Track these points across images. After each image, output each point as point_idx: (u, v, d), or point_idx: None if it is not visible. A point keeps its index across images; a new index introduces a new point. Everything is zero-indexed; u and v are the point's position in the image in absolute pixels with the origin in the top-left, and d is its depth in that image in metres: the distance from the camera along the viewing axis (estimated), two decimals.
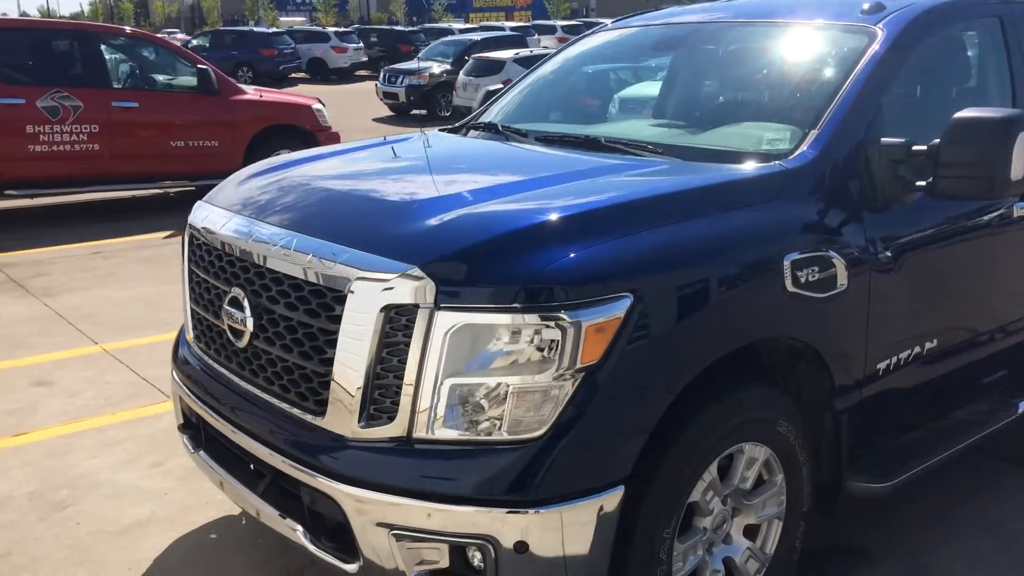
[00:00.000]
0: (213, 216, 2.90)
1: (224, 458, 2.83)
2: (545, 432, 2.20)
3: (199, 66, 9.70)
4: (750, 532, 2.79)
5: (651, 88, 3.94)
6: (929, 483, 3.43)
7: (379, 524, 2.27)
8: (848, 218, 2.79)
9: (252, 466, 2.71)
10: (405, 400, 2.25)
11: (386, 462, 2.28)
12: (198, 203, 3.11)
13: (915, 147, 2.80)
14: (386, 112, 21.22)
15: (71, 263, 7.63)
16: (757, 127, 3.10)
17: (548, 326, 2.16)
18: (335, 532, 2.42)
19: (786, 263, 2.53)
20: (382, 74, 21.73)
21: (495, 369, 2.20)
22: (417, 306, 2.21)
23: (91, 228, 8.97)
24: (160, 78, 10.00)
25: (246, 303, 2.60)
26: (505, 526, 2.20)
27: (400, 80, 20.66)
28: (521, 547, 2.21)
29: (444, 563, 2.29)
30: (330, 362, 2.35)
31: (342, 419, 2.34)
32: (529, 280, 2.19)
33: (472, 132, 3.78)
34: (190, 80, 9.79)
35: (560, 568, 2.26)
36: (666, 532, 2.43)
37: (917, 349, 3.10)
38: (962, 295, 3.27)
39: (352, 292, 2.30)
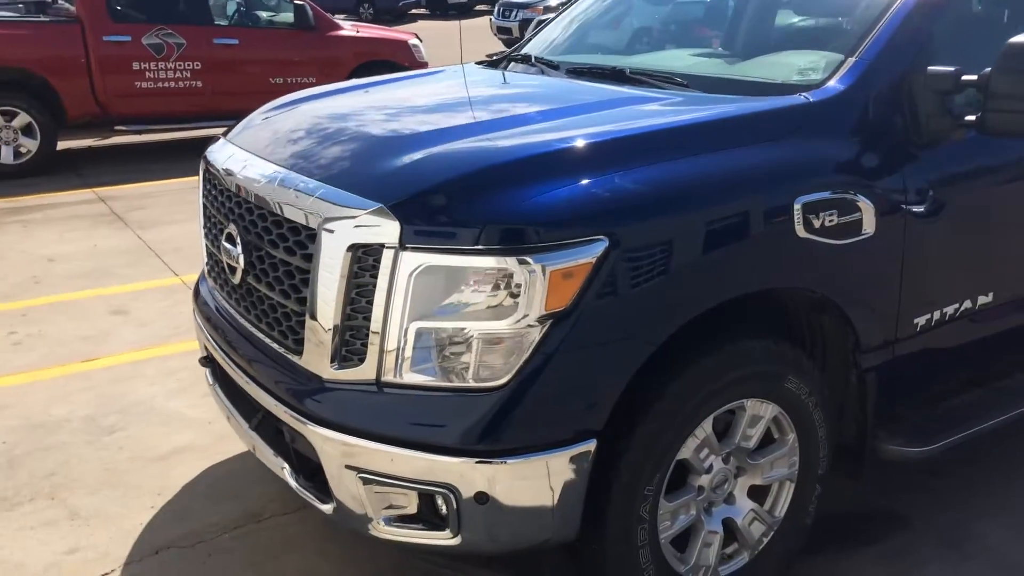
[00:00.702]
0: (222, 150, 2.89)
1: (231, 393, 2.85)
2: (509, 380, 2.10)
3: (296, 2, 9.76)
4: (757, 493, 2.63)
5: (698, 14, 3.69)
6: (983, 449, 3.17)
7: (347, 467, 2.24)
8: (884, 157, 2.54)
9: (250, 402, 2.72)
10: (373, 343, 2.19)
11: (355, 404, 2.24)
12: (219, 139, 3.10)
13: (965, 77, 2.51)
14: (500, 47, 20.99)
15: (170, 197, 7.89)
16: (797, 55, 2.86)
17: (510, 270, 2.05)
18: (314, 472, 2.40)
19: (797, 206, 2.32)
20: (497, 8, 21.48)
21: (460, 313, 2.11)
22: (383, 246, 2.13)
23: (192, 164, 9.23)
24: (261, 15, 10.13)
25: (238, 239, 2.58)
26: (465, 475, 2.12)
27: (514, 14, 20.39)
28: (482, 498, 2.14)
29: (412, 509, 2.24)
30: (305, 301, 2.31)
31: (317, 359, 2.30)
32: (491, 220, 2.07)
33: (511, 64, 3.64)
34: (290, 17, 9.87)
35: (526, 521, 2.19)
36: (648, 489, 2.30)
37: (967, 304, 2.83)
38: (1021, 246, 2.95)
39: (324, 230, 2.24)
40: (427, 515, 2.24)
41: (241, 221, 2.58)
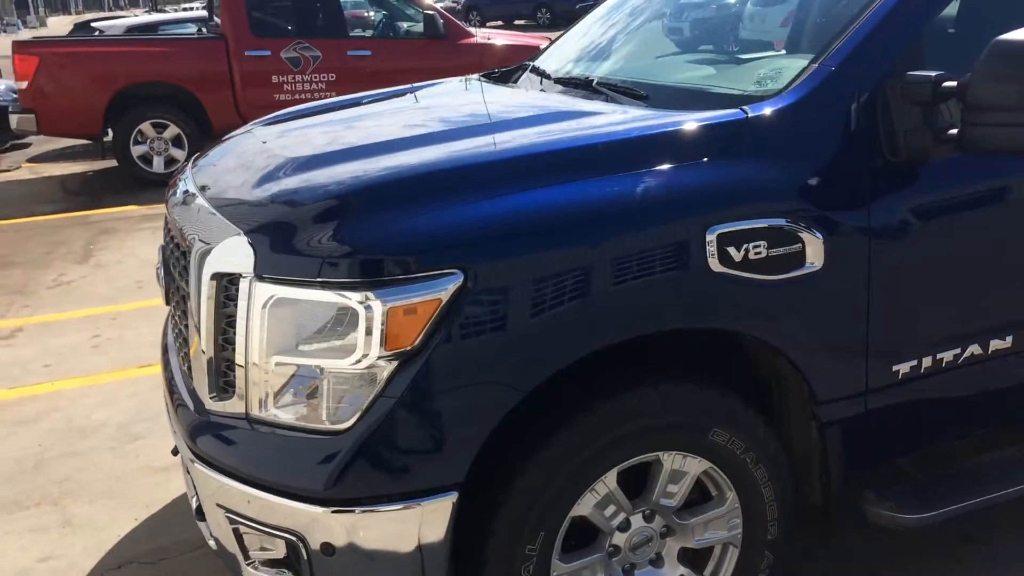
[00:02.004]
0: (183, 170, 2.90)
1: None
2: (354, 424, 1.94)
3: (426, 11, 9.88)
4: (697, 558, 2.34)
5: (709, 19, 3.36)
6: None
7: (218, 504, 2.15)
8: (841, 180, 2.19)
9: None
10: (239, 375, 2.10)
11: (223, 439, 2.15)
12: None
13: (946, 83, 2.12)
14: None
15: None
16: (766, 63, 2.52)
17: (349, 304, 1.89)
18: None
19: (710, 237, 2.03)
20: None
21: (312, 349, 1.97)
22: (240, 275, 2.03)
23: None
24: (395, 25, 10.34)
25: (163, 259, 2.58)
26: (311, 524, 1.99)
27: None
28: (328, 549, 1.99)
29: (279, 554, 2.12)
30: (195, 329, 2.25)
31: (202, 389, 2.23)
32: (332, 251, 1.92)
33: (521, 75, 3.45)
34: (421, 27, 10.02)
35: (379, 573, 2.01)
36: (529, 549, 2.08)
37: (973, 350, 2.40)
38: None
39: (198, 256, 2.17)
40: (293, 562, 2.11)
41: (167, 241, 2.57)
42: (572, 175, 2.05)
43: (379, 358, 1.90)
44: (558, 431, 2.07)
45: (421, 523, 1.97)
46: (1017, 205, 2.37)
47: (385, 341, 1.89)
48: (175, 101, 9.35)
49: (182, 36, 9.81)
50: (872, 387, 2.31)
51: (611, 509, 2.18)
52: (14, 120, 9.61)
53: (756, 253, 2.07)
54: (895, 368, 2.32)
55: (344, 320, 1.91)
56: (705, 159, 2.13)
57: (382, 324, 1.87)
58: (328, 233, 1.96)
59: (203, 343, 2.17)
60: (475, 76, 3.56)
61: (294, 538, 2.01)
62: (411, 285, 1.88)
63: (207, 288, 2.11)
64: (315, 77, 9.63)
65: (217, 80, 9.38)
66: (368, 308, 1.87)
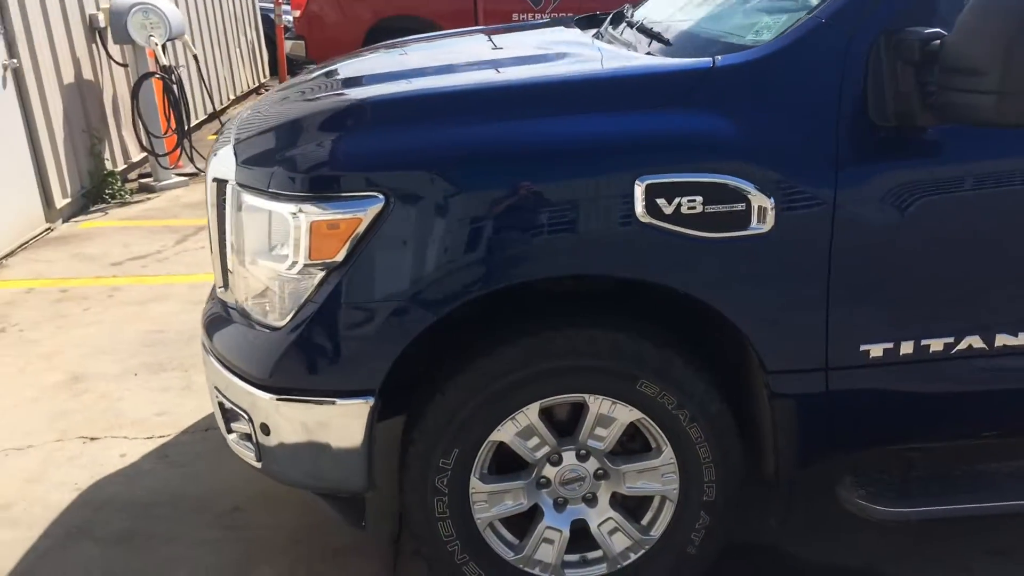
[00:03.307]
0: None
1: None
2: (286, 323, 2.17)
3: None
4: (638, 507, 2.37)
5: None
6: None
7: (214, 386, 2.48)
8: (807, 140, 2.06)
9: None
10: (229, 269, 2.39)
11: (220, 326, 2.45)
12: None
13: (935, 41, 1.94)
14: None
15: None
16: (774, 15, 2.37)
17: (284, 215, 2.11)
18: None
19: (639, 185, 2.02)
20: None
21: (265, 252, 2.21)
22: (227, 181, 2.31)
23: None
24: None
25: None
26: (254, 405, 2.25)
27: None
28: (265, 429, 2.25)
29: (247, 429, 2.41)
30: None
31: (216, 279, 2.56)
32: (280, 166, 2.14)
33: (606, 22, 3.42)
34: None
35: (307, 462, 2.25)
36: (443, 462, 2.23)
37: (971, 342, 2.19)
38: None
39: (210, 161, 2.47)
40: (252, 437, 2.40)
41: None
42: (512, 113, 2.10)
43: (306, 266, 2.10)
44: (479, 358, 2.18)
45: (338, 421, 2.18)
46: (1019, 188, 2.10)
47: (310, 251, 2.08)
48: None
49: None
50: (834, 365, 2.18)
51: (534, 441, 2.26)
52: (288, 45, 10.67)
53: (690, 207, 2.03)
54: (864, 348, 2.17)
55: (284, 228, 2.13)
56: (659, 108, 2.10)
57: (308, 235, 2.07)
58: (281, 150, 2.18)
59: (210, 239, 2.48)
60: (567, 20, 3.57)
61: (246, 416, 2.29)
62: (336, 203, 2.06)
63: (209, 191, 2.41)
64: (554, 15, 9.83)
65: (462, 15, 9.84)
66: (297, 219, 2.08)
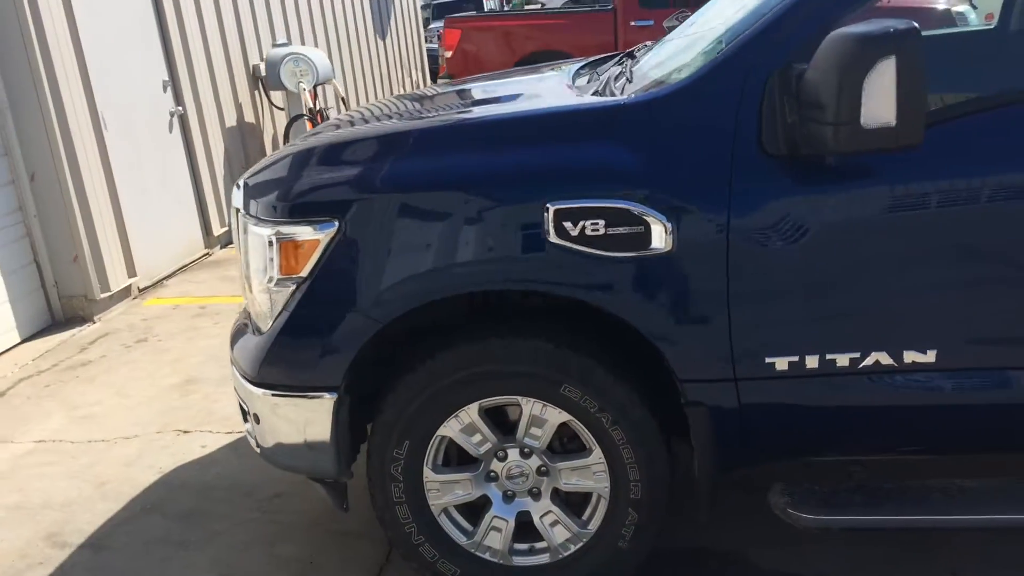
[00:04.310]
0: None
1: None
2: (267, 330, 2.59)
3: None
4: (578, 501, 2.60)
5: None
6: None
7: (234, 387, 2.90)
8: (705, 169, 2.25)
9: None
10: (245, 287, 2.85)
11: (239, 336, 2.86)
12: None
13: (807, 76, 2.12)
14: None
15: None
16: (704, 54, 2.56)
17: (263, 237, 2.53)
18: None
19: (550, 209, 2.29)
20: None
21: (260, 270, 2.62)
22: (238, 210, 2.77)
23: None
24: None
25: None
26: (249, 397, 2.68)
27: None
28: (256, 418, 2.68)
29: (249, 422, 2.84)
30: None
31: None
32: (265, 197, 2.56)
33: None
34: None
35: (287, 449, 2.65)
36: (396, 452, 2.56)
37: (880, 358, 2.29)
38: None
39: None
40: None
41: None
42: (441, 149, 2.43)
43: (280, 280, 2.51)
44: (425, 361, 2.50)
45: (308, 415, 2.56)
46: (906, 213, 2.18)
47: (281, 267, 2.50)
48: None
49: (577, 9, 10.78)
50: (742, 376, 2.34)
51: (477, 437, 2.55)
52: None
53: (593, 230, 2.28)
54: (769, 360, 2.32)
55: (265, 249, 2.55)
56: (576, 141, 2.36)
57: (279, 254, 2.49)
58: (267, 184, 2.60)
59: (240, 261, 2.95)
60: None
61: (247, 408, 2.73)
62: (301, 227, 2.46)
63: (232, 217, 2.88)
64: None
65: (602, 49, 10.16)
66: (271, 241, 2.50)
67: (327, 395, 2.53)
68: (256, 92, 8.12)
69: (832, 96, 1.96)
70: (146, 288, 6.34)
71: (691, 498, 2.55)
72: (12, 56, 5.40)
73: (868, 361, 2.30)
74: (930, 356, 2.28)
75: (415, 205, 2.39)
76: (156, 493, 3.56)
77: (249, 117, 7.98)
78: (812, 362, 2.31)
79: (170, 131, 6.83)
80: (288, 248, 2.47)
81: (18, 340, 5.53)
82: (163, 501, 3.50)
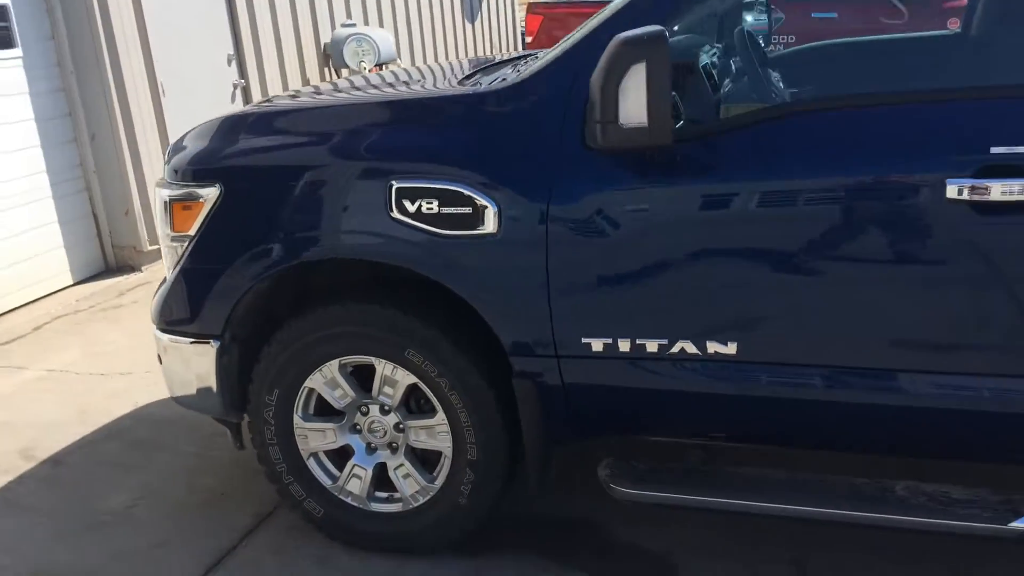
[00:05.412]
0: None
1: None
2: (167, 278, 2.91)
3: None
4: (434, 459, 2.82)
5: None
6: None
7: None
8: (530, 159, 2.42)
9: None
10: None
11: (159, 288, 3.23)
12: None
13: None
14: None
15: None
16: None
17: (162, 198, 2.85)
18: None
19: (393, 187, 2.51)
20: None
21: (164, 228, 2.95)
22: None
23: None
24: None
25: None
26: (156, 339, 3.01)
27: None
28: (160, 358, 3.01)
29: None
30: None
31: None
32: (167, 164, 2.88)
33: None
34: None
35: (182, 389, 2.97)
36: (268, 399, 2.84)
37: (683, 345, 2.42)
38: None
39: None
40: None
41: None
42: (310, 128, 2.69)
43: (174, 237, 2.82)
44: (293, 319, 2.77)
45: (196, 358, 2.87)
46: (723, 210, 2.29)
47: (172, 225, 2.81)
48: None
49: None
50: (563, 353, 2.50)
51: (339, 392, 2.80)
52: None
53: (428, 208, 2.48)
54: (585, 340, 2.47)
55: (164, 208, 2.87)
56: (430, 125, 2.57)
57: (171, 213, 2.80)
58: (175, 152, 2.91)
59: None
60: None
61: (158, 348, 3.07)
62: (189, 190, 2.76)
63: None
64: (775, 39, 9.82)
65: None
66: (166, 202, 2.81)
67: (212, 342, 2.84)
68: (326, 69, 8.54)
69: (598, 96, 2.11)
70: None
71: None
72: (79, 25, 5.94)
73: (675, 349, 2.42)
74: (731, 348, 2.39)
75: (278, 178, 2.65)
76: (123, 423, 3.97)
77: None
78: (624, 345, 2.45)
79: (232, 101, 7.31)
80: (178, 209, 2.78)
81: (71, 282, 6.12)
82: (124, 430, 3.90)
